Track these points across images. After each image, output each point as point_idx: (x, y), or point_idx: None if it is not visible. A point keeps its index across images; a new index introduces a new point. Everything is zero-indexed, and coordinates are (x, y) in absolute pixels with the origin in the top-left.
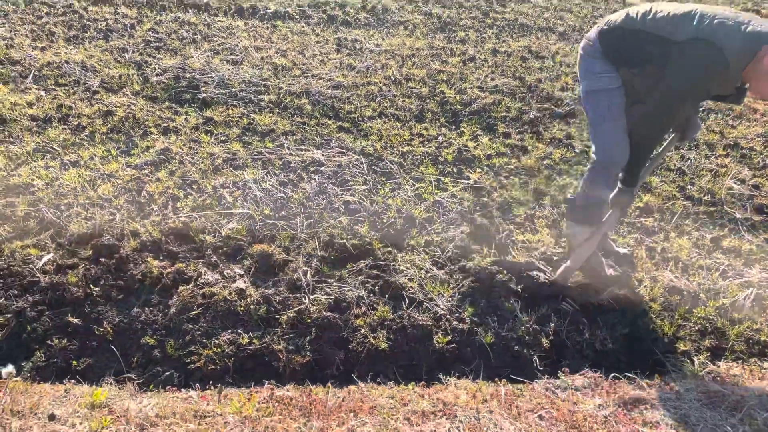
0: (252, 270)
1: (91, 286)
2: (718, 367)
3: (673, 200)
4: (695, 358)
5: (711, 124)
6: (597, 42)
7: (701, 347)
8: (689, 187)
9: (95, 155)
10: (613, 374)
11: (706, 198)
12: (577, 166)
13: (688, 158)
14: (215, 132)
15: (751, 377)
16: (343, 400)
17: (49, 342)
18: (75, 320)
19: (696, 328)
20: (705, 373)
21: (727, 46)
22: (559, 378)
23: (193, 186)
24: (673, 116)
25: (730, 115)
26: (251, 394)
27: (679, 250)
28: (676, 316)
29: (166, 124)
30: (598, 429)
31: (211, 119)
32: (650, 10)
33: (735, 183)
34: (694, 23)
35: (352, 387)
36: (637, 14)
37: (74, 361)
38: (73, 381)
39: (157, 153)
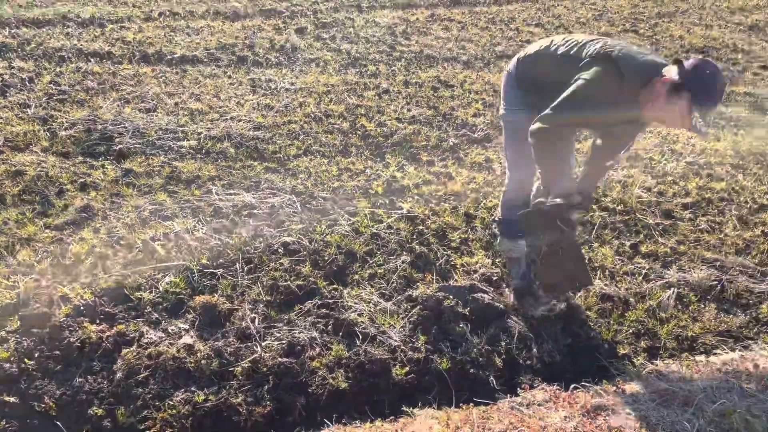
0: (197, 323)
1: (26, 360)
2: (657, 366)
3: (591, 212)
4: (635, 360)
5: None
6: (514, 70)
7: (638, 349)
8: (603, 198)
9: (9, 219)
10: (573, 385)
11: (619, 208)
12: (500, 187)
13: None
14: (137, 184)
15: (688, 371)
16: None
17: None
18: (11, 399)
19: (630, 331)
20: (646, 373)
21: (623, 64)
22: (519, 395)
23: (122, 242)
24: (572, 122)
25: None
26: None
27: (603, 259)
28: (612, 322)
29: (82, 180)
30: None
31: (131, 171)
32: (563, 39)
33: (642, 192)
34: (599, 45)
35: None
36: (551, 42)
37: None
38: None
39: (77, 211)
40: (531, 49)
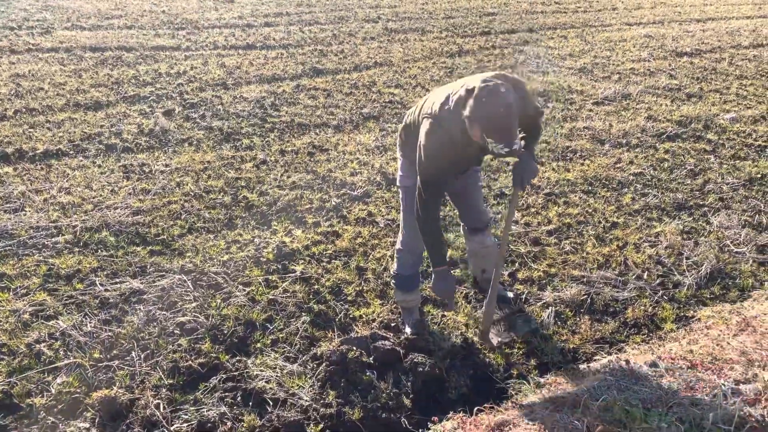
0: (97, 420)
1: None
2: (548, 379)
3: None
4: (529, 378)
5: None
6: (399, 138)
7: (530, 367)
8: None
9: None
10: (476, 408)
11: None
12: (386, 238)
13: None
14: (12, 287)
15: (573, 378)
16: None
17: None
18: None
19: (521, 352)
20: (539, 387)
21: (443, 120)
22: (430, 429)
23: (3, 349)
24: (433, 179)
25: (489, 169)
26: None
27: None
28: (503, 348)
29: None
30: None
31: (4, 274)
32: (420, 102)
33: (512, 224)
34: (424, 104)
35: None
36: (417, 105)
37: None
38: None
39: None
40: (406, 116)
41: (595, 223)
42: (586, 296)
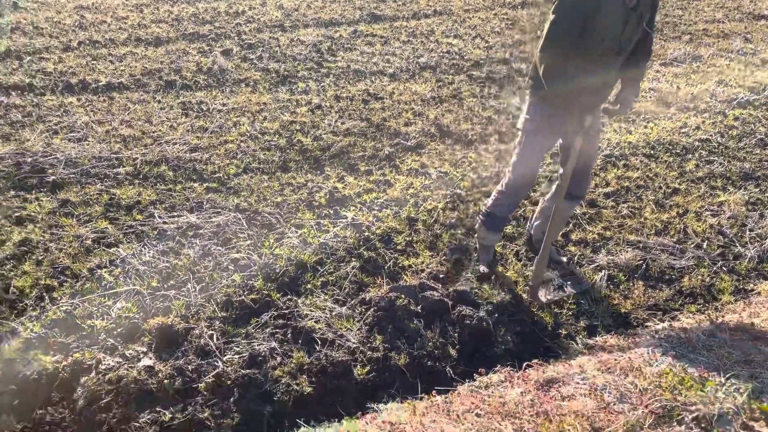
0: (154, 345)
1: None
2: (596, 341)
3: (523, 207)
4: (577, 338)
5: None
6: (528, 79)
7: (578, 328)
8: (533, 194)
9: None
10: (525, 363)
11: None
12: (437, 190)
13: None
14: (76, 213)
15: (625, 342)
16: None
17: None
18: None
19: (570, 313)
20: (588, 348)
21: None
22: (476, 380)
23: (66, 272)
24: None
25: None
26: None
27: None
28: (553, 306)
29: (17, 214)
30: (527, 411)
31: (68, 201)
32: None
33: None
34: None
35: None
36: None
37: None
38: None
39: (15, 245)
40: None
41: (655, 188)
42: (641, 261)
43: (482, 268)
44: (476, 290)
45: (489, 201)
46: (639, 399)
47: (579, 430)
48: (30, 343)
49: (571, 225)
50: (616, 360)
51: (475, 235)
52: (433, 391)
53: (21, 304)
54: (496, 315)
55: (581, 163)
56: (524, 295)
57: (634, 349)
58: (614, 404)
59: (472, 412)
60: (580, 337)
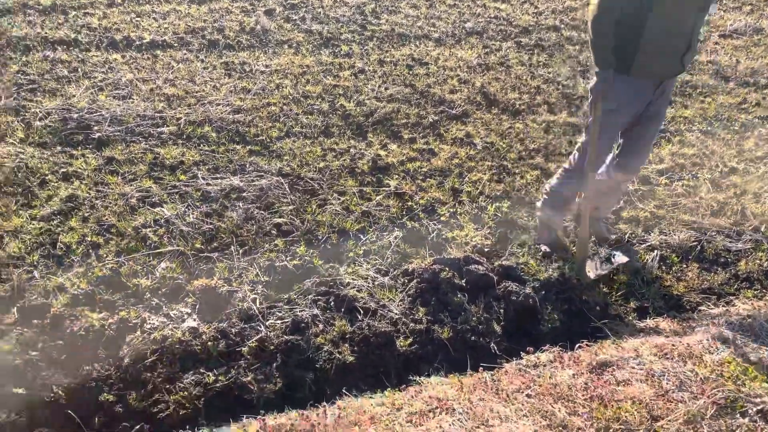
0: (197, 307)
1: (29, 351)
2: (647, 324)
3: None
4: (626, 320)
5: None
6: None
7: (628, 309)
8: None
9: None
10: (577, 344)
11: None
12: (483, 161)
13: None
14: (121, 171)
15: (679, 326)
16: (339, 417)
17: None
18: (19, 390)
19: (620, 293)
20: (639, 331)
21: None
22: (523, 358)
23: (112, 230)
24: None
25: None
26: (245, 430)
27: None
28: (602, 286)
29: (64, 170)
30: (580, 395)
31: (113, 159)
32: None
33: None
34: None
35: (339, 403)
36: None
37: None
38: None
39: (62, 201)
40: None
41: (711, 166)
42: (696, 243)
43: (543, 248)
44: (522, 266)
45: (553, 179)
46: (699, 388)
47: (637, 417)
48: (76, 299)
49: (621, 202)
50: (673, 345)
51: (537, 213)
52: (480, 368)
53: (68, 260)
54: (543, 292)
55: (642, 132)
56: (572, 273)
57: (691, 335)
58: (673, 392)
59: (522, 392)
60: (630, 319)
